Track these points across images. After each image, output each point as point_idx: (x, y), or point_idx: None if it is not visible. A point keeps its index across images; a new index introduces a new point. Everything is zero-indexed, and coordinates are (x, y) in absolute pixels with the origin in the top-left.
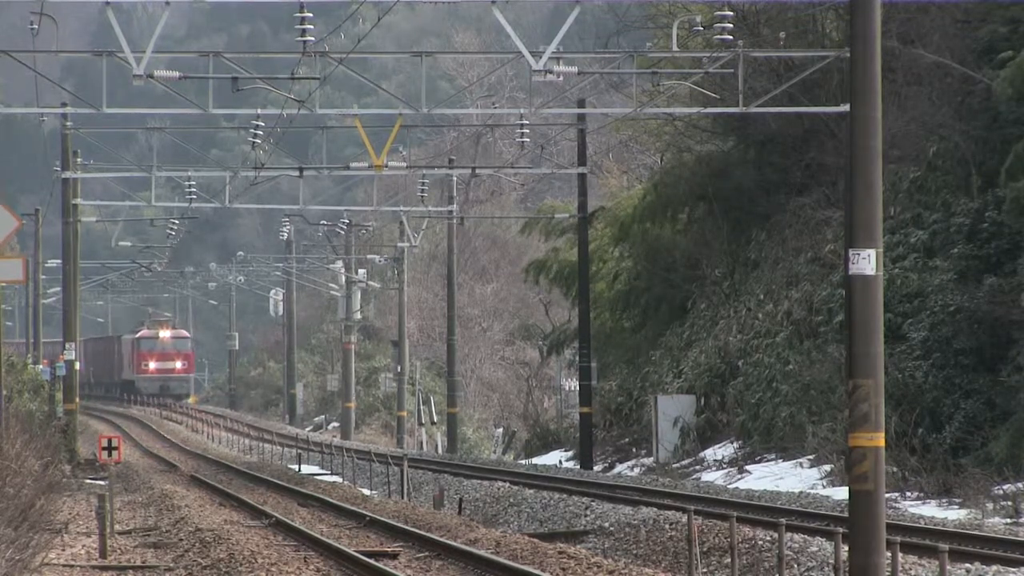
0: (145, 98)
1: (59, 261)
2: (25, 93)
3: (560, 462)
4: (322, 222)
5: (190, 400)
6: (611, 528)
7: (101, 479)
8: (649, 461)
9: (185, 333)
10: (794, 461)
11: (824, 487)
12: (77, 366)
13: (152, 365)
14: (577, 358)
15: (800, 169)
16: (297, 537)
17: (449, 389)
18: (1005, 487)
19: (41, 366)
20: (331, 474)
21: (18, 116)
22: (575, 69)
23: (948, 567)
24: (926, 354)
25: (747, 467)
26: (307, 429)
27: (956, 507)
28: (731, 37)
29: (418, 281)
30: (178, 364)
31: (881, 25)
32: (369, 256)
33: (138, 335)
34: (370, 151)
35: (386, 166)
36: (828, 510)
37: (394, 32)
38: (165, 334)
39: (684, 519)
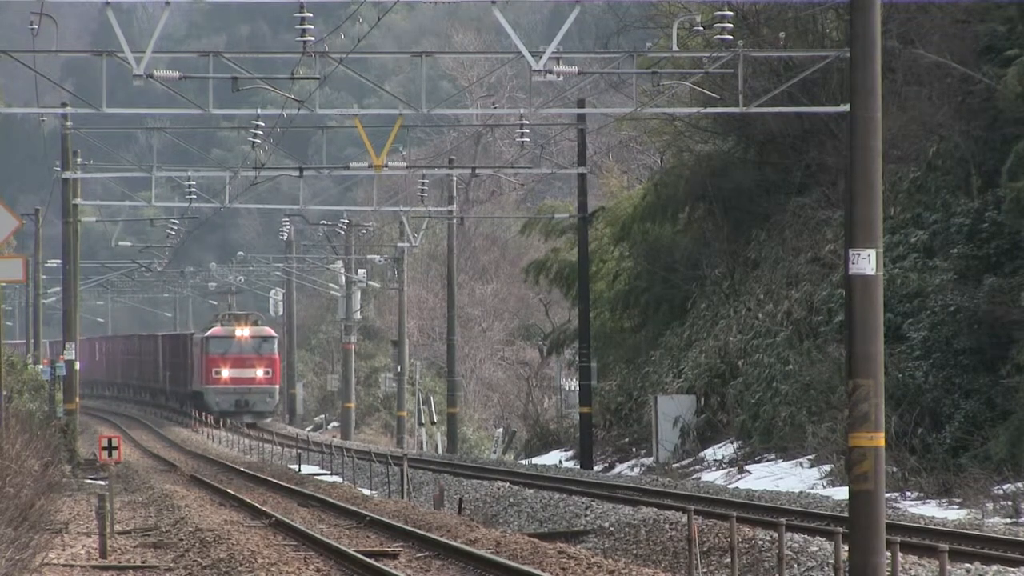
0: (145, 98)
1: (59, 261)
2: (25, 93)
3: (560, 462)
4: (322, 222)
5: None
6: (611, 528)
7: (101, 479)
8: (649, 461)
9: (270, 331)
10: (794, 461)
11: (824, 487)
12: (77, 366)
13: (225, 374)
14: (577, 358)
15: (800, 169)
16: (297, 537)
17: (449, 389)
18: (1005, 487)
19: (41, 366)
20: (331, 474)
21: (18, 116)
22: (575, 69)
23: (948, 567)
24: (926, 354)
25: (747, 467)
26: (307, 429)
27: (956, 507)
28: (731, 37)
29: (418, 281)
30: (259, 372)
31: (881, 25)
32: (369, 256)
33: (208, 334)
34: (370, 151)
35: (386, 166)
36: (828, 510)
37: (394, 32)
38: (243, 332)
39: (684, 519)
